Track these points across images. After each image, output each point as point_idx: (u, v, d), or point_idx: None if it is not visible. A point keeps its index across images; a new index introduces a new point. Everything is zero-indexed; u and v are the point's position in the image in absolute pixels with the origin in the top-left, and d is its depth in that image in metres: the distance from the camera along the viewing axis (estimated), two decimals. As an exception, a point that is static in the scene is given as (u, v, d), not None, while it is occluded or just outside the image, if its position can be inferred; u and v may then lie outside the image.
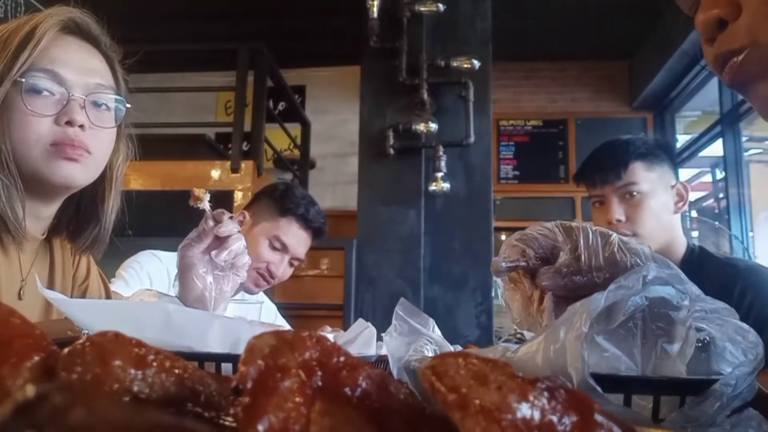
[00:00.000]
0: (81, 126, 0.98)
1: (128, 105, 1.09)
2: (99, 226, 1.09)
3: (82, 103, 0.99)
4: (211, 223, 0.99)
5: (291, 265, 1.91)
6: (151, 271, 1.74)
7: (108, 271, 1.18)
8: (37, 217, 1.03)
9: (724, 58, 0.56)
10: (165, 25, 5.51)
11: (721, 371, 0.51)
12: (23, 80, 0.94)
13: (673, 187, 1.60)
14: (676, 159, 1.70)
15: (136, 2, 5.32)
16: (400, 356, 0.58)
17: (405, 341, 0.61)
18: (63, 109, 0.97)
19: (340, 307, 3.19)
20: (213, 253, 1.00)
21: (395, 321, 0.63)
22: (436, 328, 0.67)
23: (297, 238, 1.87)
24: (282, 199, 1.89)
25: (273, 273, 1.84)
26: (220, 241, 1.01)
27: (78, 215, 1.10)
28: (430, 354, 0.58)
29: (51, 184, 0.99)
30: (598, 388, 0.40)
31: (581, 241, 0.59)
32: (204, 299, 0.99)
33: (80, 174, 1.00)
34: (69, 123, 0.97)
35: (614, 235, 0.59)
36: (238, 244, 1.01)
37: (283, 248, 1.85)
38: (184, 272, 1.01)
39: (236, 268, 1.03)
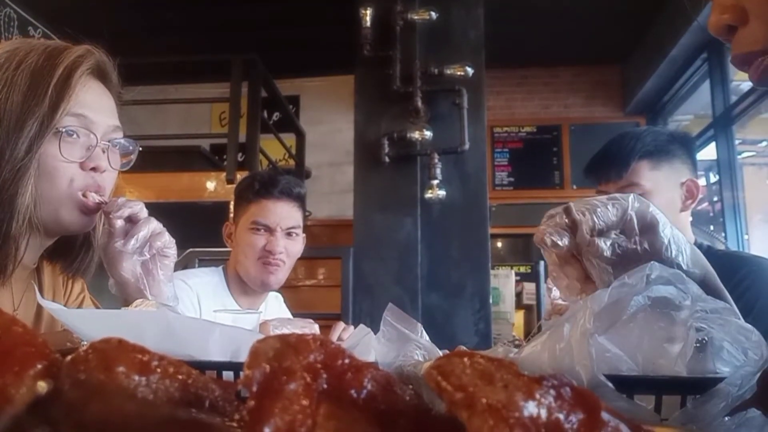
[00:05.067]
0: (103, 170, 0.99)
1: (140, 148, 1.09)
2: (91, 250, 1.09)
3: (105, 148, 1.00)
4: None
5: (291, 236, 1.88)
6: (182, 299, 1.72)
7: (103, 287, 1.17)
8: (35, 250, 1.02)
9: (746, 58, 0.61)
10: (158, 38, 5.51)
11: (717, 370, 0.51)
12: (62, 129, 0.94)
13: (683, 184, 1.57)
14: (694, 151, 1.65)
15: (129, 15, 5.33)
16: (388, 362, 0.58)
17: (393, 347, 0.61)
18: (90, 155, 0.97)
19: (338, 317, 3.18)
20: (119, 243, 0.97)
21: (383, 327, 0.63)
22: (424, 333, 0.67)
23: (273, 210, 1.85)
24: (242, 192, 1.91)
25: (272, 252, 1.82)
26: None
27: (70, 243, 1.09)
28: (421, 359, 0.58)
29: (65, 230, 0.99)
30: (610, 384, 0.40)
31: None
32: (139, 290, 0.99)
33: (92, 222, 1.01)
34: (94, 169, 0.97)
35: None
36: (147, 227, 0.99)
37: (266, 228, 1.84)
38: (110, 269, 1.00)
39: (159, 250, 1.01)
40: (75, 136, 0.96)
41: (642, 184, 1.54)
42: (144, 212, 1.01)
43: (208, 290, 1.84)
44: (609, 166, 1.59)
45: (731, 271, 1.42)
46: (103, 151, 0.99)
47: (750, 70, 0.61)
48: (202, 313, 1.75)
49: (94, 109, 0.99)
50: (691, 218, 1.63)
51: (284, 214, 1.86)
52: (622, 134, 1.63)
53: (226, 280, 1.91)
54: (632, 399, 0.44)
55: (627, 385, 0.45)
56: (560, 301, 1.91)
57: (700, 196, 1.60)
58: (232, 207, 2.05)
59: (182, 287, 1.77)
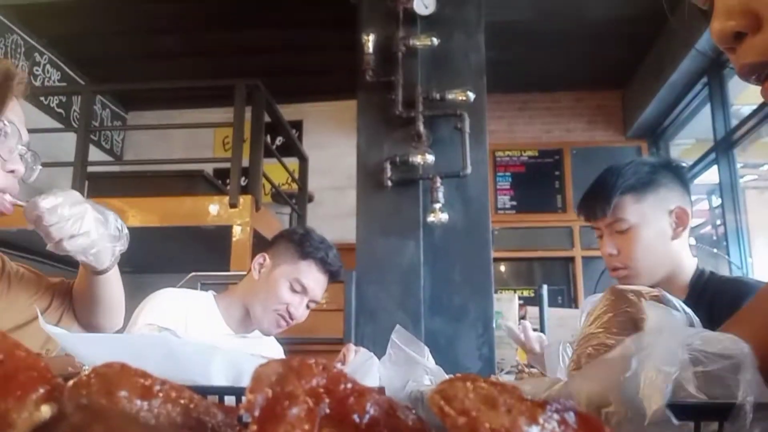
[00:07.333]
0: None
1: (41, 167, 1.16)
2: None
3: (23, 154, 1.10)
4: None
5: (308, 307, 1.93)
6: (173, 310, 1.74)
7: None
8: None
9: (753, 68, 0.55)
10: (163, 63, 5.58)
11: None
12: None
13: (671, 212, 1.54)
14: (682, 177, 1.62)
15: (134, 41, 5.41)
16: (395, 386, 0.57)
17: (400, 370, 0.60)
18: (12, 157, 1.06)
19: (341, 341, 3.16)
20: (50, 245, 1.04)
21: (390, 349, 0.63)
22: (431, 357, 0.66)
23: (316, 280, 1.90)
24: (302, 243, 1.91)
25: (293, 315, 1.87)
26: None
27: None
28: (430, 384, 0.58)
29: None
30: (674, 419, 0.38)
31: None
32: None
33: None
34: (13, 172, 1.06)
35: None
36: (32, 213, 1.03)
37: (303, 290, 1.88)
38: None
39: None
40: (2, 136, 1.05)
41: (627, 218, 1.53)
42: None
43: (200, 312, 1.84)
44: (594, 203, 1.60)
45: (737, 298, 1.40)
46: (21, 157, 1.08)
47: (754, 79, 0.56)
48: (187, 328, 1.74)
49: (21, 121, 1.09)
50: (694, 242, 1.62)
51: (322, 290, 1.95)
52: (606, 170, 1.63)
53: (218, 304, 1.90)
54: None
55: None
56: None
57: (698, 221, 1.59)
58: (273, 240, 2.03)
59: (173, 301, 1.79)
